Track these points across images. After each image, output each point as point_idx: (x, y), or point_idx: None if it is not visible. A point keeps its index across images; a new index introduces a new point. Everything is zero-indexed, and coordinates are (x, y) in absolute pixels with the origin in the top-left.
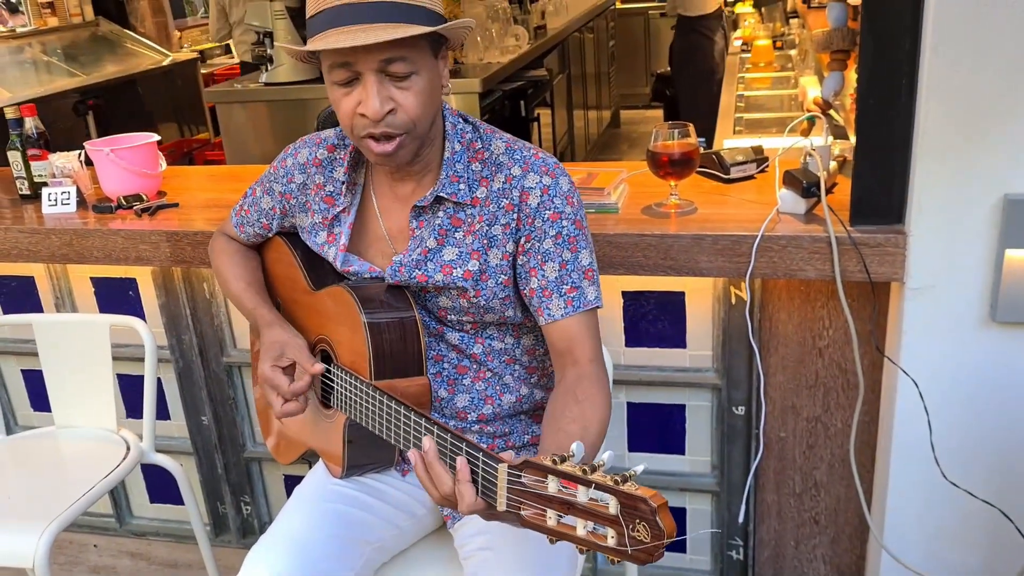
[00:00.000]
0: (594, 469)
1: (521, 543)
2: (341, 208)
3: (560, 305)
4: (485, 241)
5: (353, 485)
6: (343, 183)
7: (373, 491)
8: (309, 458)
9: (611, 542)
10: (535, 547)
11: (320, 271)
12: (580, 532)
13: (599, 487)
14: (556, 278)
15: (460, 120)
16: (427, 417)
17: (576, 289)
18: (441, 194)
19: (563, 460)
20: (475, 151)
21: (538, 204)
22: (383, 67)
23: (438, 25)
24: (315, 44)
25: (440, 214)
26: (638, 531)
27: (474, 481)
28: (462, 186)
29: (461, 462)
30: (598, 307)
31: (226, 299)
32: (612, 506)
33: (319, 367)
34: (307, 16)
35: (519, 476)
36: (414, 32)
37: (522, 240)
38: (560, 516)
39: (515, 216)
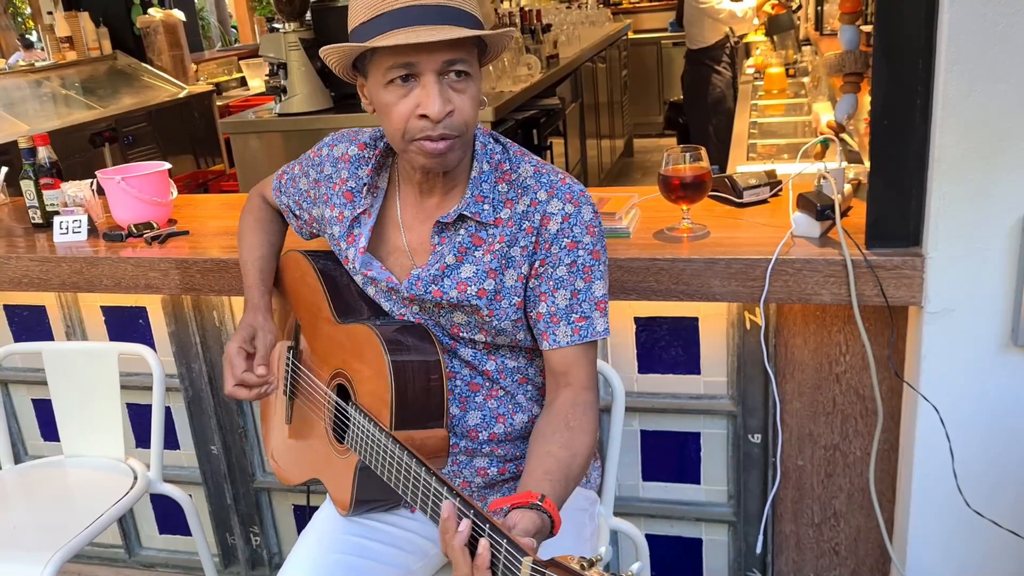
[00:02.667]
0: None
1: None
2: (362, 210)
3: (567, 332)
4: (503, 261)
5: (361, 530)
6: (364, 184)
7: (382, 534)
8: (310, 485)
9: None
10: None
11: (345, 301)
12: None
13: None
14: (566, 306)
15: (491, 140)
16: (449, 486)
17: (586, 319)
18: (465, 212)
19: (591, 564)
20: (503, 172)
21: (557, 231)
22: (444, 68)
23: (495, 31)
24: (385, 40)
25: (462, 232)
26: None
27: (493, 566)
28: (486, 206)
29: (483, 545)
30: (604, 337)
31: (235, 327)
32: None
33: (260, 371)
34: (357, 22)
35: (544, 574)
36: (477, 33)
37: (536, 264)
38: None
39: (533, 239)
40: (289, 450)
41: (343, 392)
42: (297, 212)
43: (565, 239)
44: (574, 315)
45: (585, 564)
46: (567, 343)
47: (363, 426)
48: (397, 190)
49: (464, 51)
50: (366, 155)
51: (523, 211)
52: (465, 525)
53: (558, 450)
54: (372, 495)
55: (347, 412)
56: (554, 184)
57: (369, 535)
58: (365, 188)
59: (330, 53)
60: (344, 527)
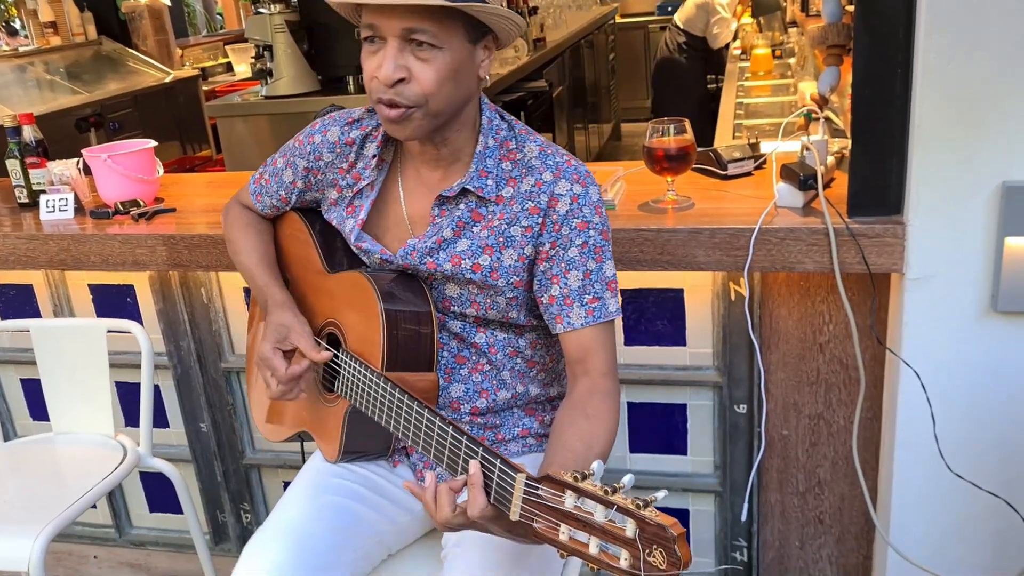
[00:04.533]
0: (615, 490)
1: (490, 541)
2: (367, 182)
3: (581, 314)
4: (501, 239)
5: (351, 476)
6: (373, 156)
7: (371, 484)
8: (299, 438)
9: (624, 564)
10: (505, 546)
11: (336, 253)
12: (592, 550)
13: (620, 509)
14: (579, 287)
15: (496, 116)
16: (441, 416)
17: (598, 300)
18: (468, 187)
19: (584, 477)
20: (508, 150)
21: (567, 212)
22: (406, 35)
23: (469, 3)
24: None
25: (462, 206)
26: (654, 556)
27: (487, 487)
28: (490, 182)
29: (475, 466)
30: (617, 317)
31: (224, 304)
32: (630, 529)
33: (324, 355)
34: None
35: (536, 488)
36: (434, 2)
37: (546, 246)
38: (573, 532)
39: (540, 220)
40: (276, 405)
41: (334, 341)
42: (284, 207)
43: (575, 219)
44: (587, 296)
45: (578, 476)
46: (581, 324)
47: (354, 370)
48: (399, 162)
49: (431, 21)
50: (371, 133)
51: (527, 191)
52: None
53: (575, 442)
54: (360, 443)
55: (337, 360)
56: (560, 165)
57: (359, 481)
58: (374, 161)
59: (331, 2)
60: (335, 472)
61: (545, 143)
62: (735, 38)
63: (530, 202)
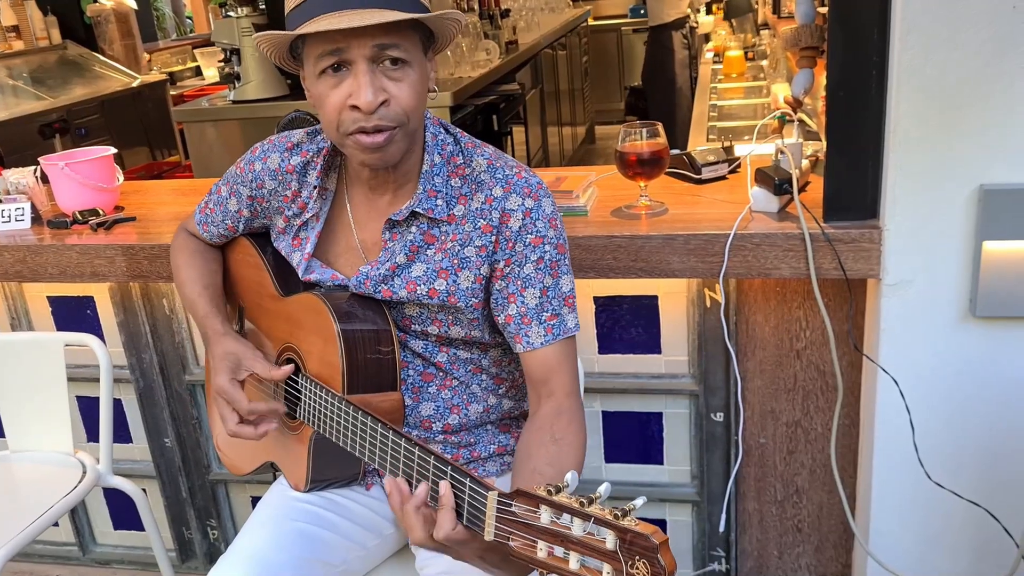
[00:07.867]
0: (591, 501)
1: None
2: (311, 214)
3: (540, 333)
4: (456, 261)
5: (319, 501)
6: (315, 187)
7: (339, 508)
8: (266, 472)
9: None
10: None
11: (289, 277)
12: (573, 566)
13: (597, 520)
14: (536, 305)
15: (441, 131)
16: (407, 437)
17: (556, 316)
18: (417, 209)
19: (558, 491)
20: (456, 166)
21: (520, 228)
22: (376, 54)
23: (433, 14)
24: (311, 27)
25: (413, 229)
26: (637, 568)
27: (459, 508)
28: (439, 202)
29: (444, 487)
30: (576, 333)
31: (187, 315)
32: (610, 540)
33: (284, 370)
34: (291, 6)
35: (509, 505)
36: (408, 16)
37: (500, 264)
38: (551, 548)
39: (493, 239)
40: (242, 440)
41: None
42: (232, 236)
43: (529, 235)
44: (545, 313)
45: (552, 490)
46: (541, 344)
47: (315, 395)
48: (347, 189)
49: (399, 35)
50: (312, 160)
51: (478, 208)
52: (422, 489)
53: (544, 467)
54: (328, 471)
55: (297, 386)
56: (510, 179)
57: (326, 506)
58: (316, 191)
59: (261, 41)
60: (302, 497)
61: (494, 154)
62: (707, 39)
63: (482, 220)
